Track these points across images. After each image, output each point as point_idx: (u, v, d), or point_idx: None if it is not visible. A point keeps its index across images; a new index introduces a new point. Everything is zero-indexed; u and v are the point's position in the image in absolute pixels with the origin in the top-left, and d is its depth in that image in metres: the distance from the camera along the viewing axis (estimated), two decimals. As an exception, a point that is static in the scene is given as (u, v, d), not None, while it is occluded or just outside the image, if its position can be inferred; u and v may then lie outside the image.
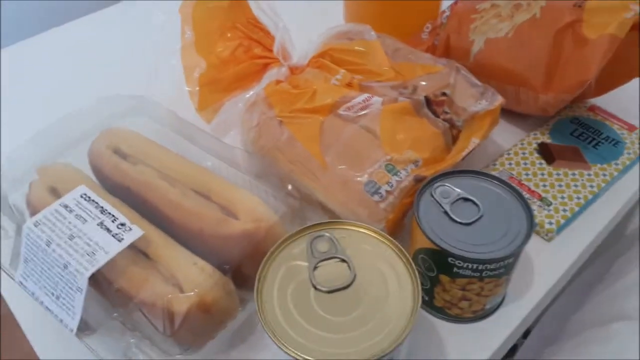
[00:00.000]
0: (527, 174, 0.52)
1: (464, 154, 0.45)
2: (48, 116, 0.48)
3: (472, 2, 0.57)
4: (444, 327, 0.44)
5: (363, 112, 0.46)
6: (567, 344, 0.61)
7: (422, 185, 0.42)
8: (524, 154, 0.54)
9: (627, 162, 0.53)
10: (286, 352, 0.30)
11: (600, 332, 0.57)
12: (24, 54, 0.76)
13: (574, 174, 0.52)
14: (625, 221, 0.62)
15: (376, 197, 0.42)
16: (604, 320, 0.58)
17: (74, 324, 0.37)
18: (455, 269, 0.39)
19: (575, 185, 0.51)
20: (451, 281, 0.40)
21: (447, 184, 0.42)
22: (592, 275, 0.67)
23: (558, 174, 0.52)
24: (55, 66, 0.73)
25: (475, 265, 0.38)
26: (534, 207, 0.49)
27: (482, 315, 0.44)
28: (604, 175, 0.52)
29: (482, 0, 0.56)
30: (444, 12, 0.60)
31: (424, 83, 0.49)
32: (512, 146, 0.55)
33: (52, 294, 0.38)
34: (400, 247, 0.35)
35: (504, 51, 0.53)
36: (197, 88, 0.53)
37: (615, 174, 0.52)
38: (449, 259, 0.38)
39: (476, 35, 0.54)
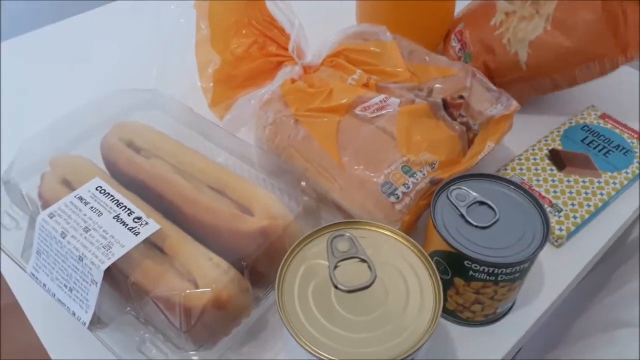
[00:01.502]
0: (538, 180, 0.52)
1: (479, 157, 0.45)
2: (54, 110, 0.48)
3: (479, 24, 0.58)
4: (454, 329, 0.44)
5: (380, 113, 0.46)
6: (570, 349, 0.61)
7: (438, 187, 0.42)
8: (534, 159, 0.54)
9: (637, 171, 0.53)
10: (308, 351, 0.30)
11: (605, 337, 0.57)
12: (25, 47, 0.75)
13: (584, 181, 0.52)
14: (626, 230, 0.63)
15: (392, 198, 0.42)
16: (608, 326, 0.58)
17: (87, 317, 0.37)
18: (470, 272, 0.39)
19: (586, 193, 0.51)
20: (465, 284, 0.40)
21: (463, 187, 0.42)
22: (592, 282, 0.67)
23: (569, 181, 0.52)
24: (60, 60, 0.72)
25: (491, 269, 0.38)
26: None
27: (493, 319, 0.44)
28: (614, 183, 0.52)
29: (487, 17, 0.57)
30: (452, 46, 0.60)
31: (439, 86, 0.49)
32: (523, 151, 0.56)
33: (65, 286, 0.38)
34: (422, 249, 0.35)
35: (554, 43, 0.54)
36: (211, 84, 0.53)
37: (625, 182, 0.52)
38: (465, 262, 0.38)
39: (515, 45, 0.55)
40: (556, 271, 0.48)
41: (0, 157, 0.57)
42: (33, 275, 0.40)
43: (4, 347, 1.16)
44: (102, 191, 0.40)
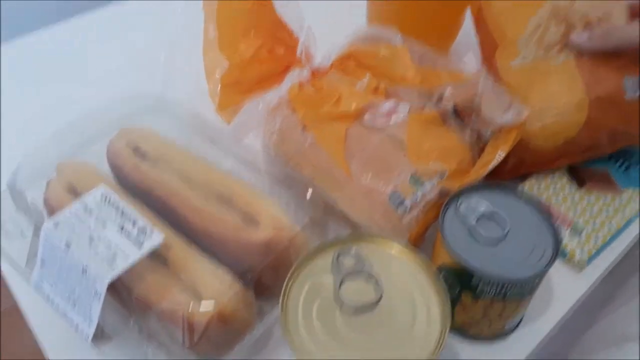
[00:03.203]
0: (557, 199, 0.50)
1: (490, 167, 0.44)
2: (59, 114, 0.47)
3: None
4: (461, 346, 0.43)
5: (389, 120, 0.45)
6: None
7: (447, 199, 0.41)
8: (552, 176, 0.52)
9: None
10: (311, 373, 0.30)
11: (612, 352, 0.56)
12: (28, 49, 0.74)
13: (605, 199, 0.50)
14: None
15: (400, 210, 0.42)
16: (618, 340, 0.57)
17: (90, 331, 0.37)
18: (479, 288, 0.38)
19: (607, 211, 0.49)
20: (473, 300, 0.39)
21: (473, 199, 0.41)
22: (598, 295, 0.66)
23: (589, 199, 0.50)
24: (63, 63, 0.71)
25: (499, 286, 0.37)
26: (565, 234, 0.48)
27: (501, 334, 0.43)
28: (636, 201, 0.50)
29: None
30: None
31: (450, 91, 0.48)
32: (541, 167, 0.54)
33: (69, 298, 0.38)
34: (430, 265, 0.34)
35: None
36: (219, 88, 0.52)
37: None
38: (474, 278, 0.38)
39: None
40: (565, 284, 0.47)
41: (1, 163, 0.57)
42: (37, 285, 0.39)
43: (4, 352, 1.16)
44: (108, 200, 0.40)
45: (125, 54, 0.70)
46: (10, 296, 0.45)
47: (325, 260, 0.35)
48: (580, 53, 0.49)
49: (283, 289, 0.33)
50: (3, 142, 0.60)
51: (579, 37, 0.48)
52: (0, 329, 1.19)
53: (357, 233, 0.36)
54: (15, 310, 0.45)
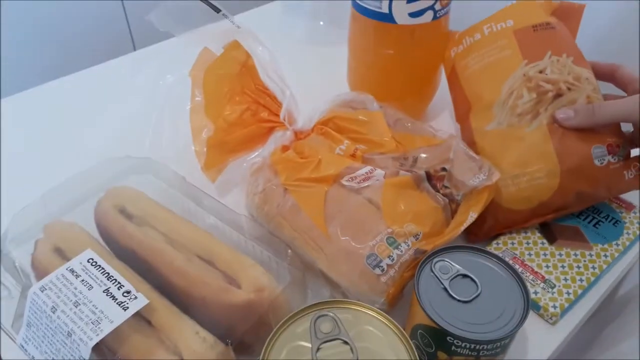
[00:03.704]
0: (529, 254, 0.52)
1: (462, 227, 0.47)
2: (45, 177, 0.49)
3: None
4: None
5: (366, 184, 0.47)
6: None
7: (422, 260, 0.43)
8: (525, 232, 0.54)
9: (628, 243, 0.53)
10: None
11: None
12: (19, 106, 0.74)
13: (576, 254, 0.52)
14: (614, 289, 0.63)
15: (377, 271, 0.43)
16: None
17: (74, 393, 0.37)
18: (453, 347, 0.40)
19: (578, 267, 0.51)
20: (448, 359, 0.41)
21: (446, 260, 0.43)
22: (581, 339, 0.67)
23: (560, 255, 0.52)
24: (51, 126, 0.71)
25: (472, 346, 0.39)
26: (538, 289, 0.49)
27: (477, 390, 0.45)
28: (605, 256, 0.52)
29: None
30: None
31: (424, 155, 0.51)
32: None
33: (54, 360, 0.39)
34: (404, 332, 0.36)
35: None
36: (205, 149, 0.54)
37: (617, 254, 0.52)
38: (448, 338, 0.39)
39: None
40: (540, 337, 0.48)
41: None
42: (22, 347, 0.40)
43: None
44: (94, 263, 0.41)
45: (114, 116, 0.71)
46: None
47: (303, 325, 0.36)
48: (552, 120, 0.52)
49: (262, 355, 0.34)
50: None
51: (564, 114, 0.51)
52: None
53: (335, 299, 0.38)
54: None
